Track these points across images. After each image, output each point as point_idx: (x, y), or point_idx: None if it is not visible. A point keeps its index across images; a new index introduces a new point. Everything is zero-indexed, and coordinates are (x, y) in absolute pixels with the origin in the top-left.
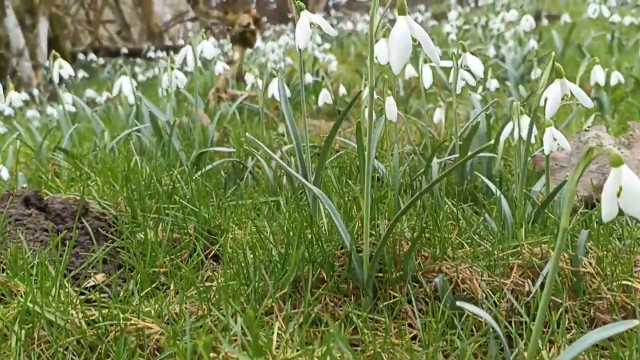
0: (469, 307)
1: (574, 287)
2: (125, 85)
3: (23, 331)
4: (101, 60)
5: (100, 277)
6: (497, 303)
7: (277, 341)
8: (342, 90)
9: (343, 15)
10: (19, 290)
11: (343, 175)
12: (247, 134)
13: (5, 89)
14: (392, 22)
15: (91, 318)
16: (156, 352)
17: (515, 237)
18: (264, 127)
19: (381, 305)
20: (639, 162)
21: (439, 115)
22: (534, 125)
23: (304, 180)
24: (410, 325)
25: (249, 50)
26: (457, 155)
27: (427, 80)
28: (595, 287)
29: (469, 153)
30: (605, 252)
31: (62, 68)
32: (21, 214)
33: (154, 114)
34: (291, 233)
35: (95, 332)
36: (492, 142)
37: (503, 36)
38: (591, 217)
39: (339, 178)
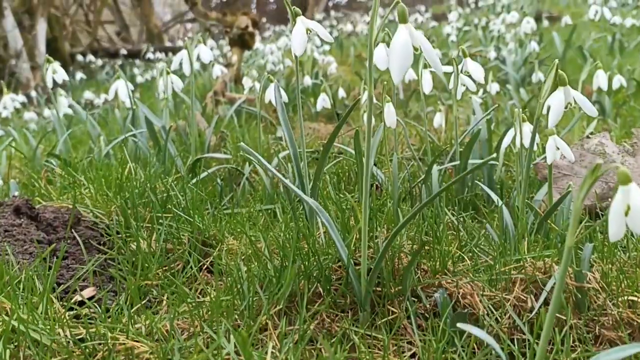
0: (470, 328)
1: (578, 303)
2: (121, 89)
3: (8, 351)
4: (100, 62)
5: (88, 292)
6: (499, 319)
7: None
8: (342, 93)
9: (343, 15)
10: (4, 307)
11: (341, 182)
12: (241, 143)
13: (1, 91)
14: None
15: (79, 337)
16: None
17: (517, 250)
18: (261, 131)
19: (379, 322)
20: None
21: (439, 119)
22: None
23: (300, 192)
24: (409, 343)
25: (247, 52)
26: (457, 162)
27: (427, 85)
28: (600, 303)
29: (470, 160)
30: (610, 266)
31: (55, 73)
32: (11, 225)
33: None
34: (287, 245)
35: (83, 351)
36: (495, 155)
37: (504, 38)
38: (595, 230)
39: (337, 185)
